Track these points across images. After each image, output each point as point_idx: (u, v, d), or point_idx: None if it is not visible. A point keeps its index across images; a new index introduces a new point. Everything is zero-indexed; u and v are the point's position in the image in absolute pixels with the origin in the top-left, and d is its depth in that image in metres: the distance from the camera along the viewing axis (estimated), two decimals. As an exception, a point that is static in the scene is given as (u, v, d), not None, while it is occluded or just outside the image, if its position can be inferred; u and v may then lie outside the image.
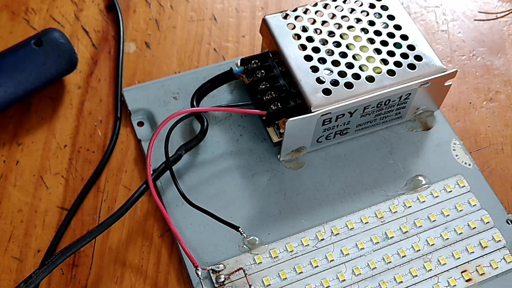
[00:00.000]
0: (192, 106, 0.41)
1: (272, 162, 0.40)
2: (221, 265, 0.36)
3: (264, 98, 0.39)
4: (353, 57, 0.39)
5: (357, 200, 0.39)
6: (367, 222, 0.38)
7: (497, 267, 0.37)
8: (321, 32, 0.40)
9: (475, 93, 0.46)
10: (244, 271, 0.36)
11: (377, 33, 0.40)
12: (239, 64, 0.42)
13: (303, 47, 0.39)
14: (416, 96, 0.40)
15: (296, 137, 0.39)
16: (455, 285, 0.36)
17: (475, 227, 0.39)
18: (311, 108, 0.37)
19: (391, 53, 0.39)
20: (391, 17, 0.41)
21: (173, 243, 0.38)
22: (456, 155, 0.42)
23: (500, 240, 0.38)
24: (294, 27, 0.40)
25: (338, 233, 0.38)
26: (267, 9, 0.49)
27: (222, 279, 0.35)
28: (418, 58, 0.39)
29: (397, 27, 0.41)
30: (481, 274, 0.37)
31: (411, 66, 0.39)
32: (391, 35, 0.40)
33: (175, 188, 0.37)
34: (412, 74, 0.39)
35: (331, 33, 0.40)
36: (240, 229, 0.36)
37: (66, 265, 0.37)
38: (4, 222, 0.38)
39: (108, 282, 0.36)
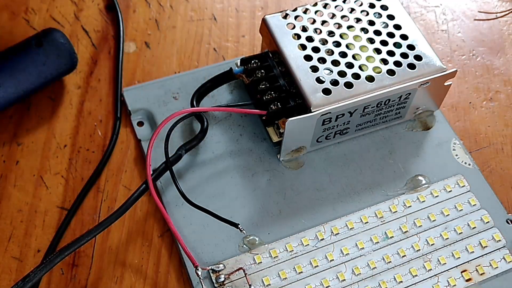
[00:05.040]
0: (192, 106, 0.41)
1: (272, 162, 0.40)
2: (221, 265, 0.36)
3: (264, 98, 0.39)
4: (353, 57, 0.39)
5: (357, 200, 0.39)
6: (367, 222, 0.38)
7: (497, 267, 0.37)
8: (321, 32, 0.40)
9: (475, 92, 0.46)
10: (244, 271, 0.36)
11: (377, 32, 0.40)
12: (239, 64, 0.42)
13: (303, 47, 0.39)
14: (416, 96, 0.40)
15: (296, 137, 0.39)
16: (455, 285, 0.36)
17: (475, 227, 0.39)
18: (311, 108, 0.37)
19: (391, 53, 0.39)
20: (391, 17, 0.41)
21: (173, 243, 0.38)
22: (456, 155, 0.42)
23: (500, 240, 0.38)
24: (294, 27, 0.40)
25: (338, 233, 0.38)
26: (267, 9, 0.49)
27: (222, 279, 0.35)
28: (418, 58, 0.39)
29: (397, 27, 0.41)
30: (481, 274, 0.37)
31: (411, 66, 0.39)
32: (391, 35, 0.40)
33: (175, 188, 0.37)
34: (412, 74, 0.39)
35: (331, 33, 0.40)
36: (239, 225, 0.36)
37: (66, 265, 0.37)
38: (4, 222, 0.38)
39: (108, 282, 0.36)
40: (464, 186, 0.40)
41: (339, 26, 0.40)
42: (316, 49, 0.39)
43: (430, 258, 0.37)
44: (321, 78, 0.38)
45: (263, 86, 0.40)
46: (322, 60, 0.39)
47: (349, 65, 0.39)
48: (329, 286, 0.36)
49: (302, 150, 0.40)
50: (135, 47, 0.46)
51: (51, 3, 0.48)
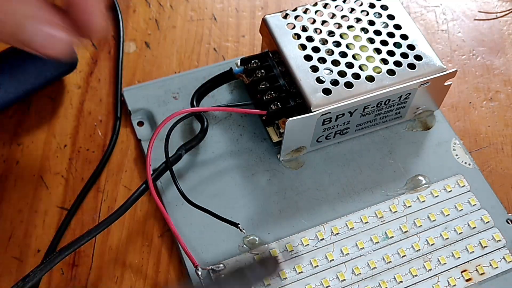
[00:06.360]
0: (192, 106, 0.41)
1: (272, 162, 0.40)
2: (221, 265, 0.36)
3: (264, 98, 0.39)
4: (353, 56, 0.39)
5: (357, 200, 0.39)
6: (367, 222, 0.38)
7: (497, 267, 0.37)
8: (321, 31, 0.40)
9: (475, 92, 0.46)
10: (244, 271, 0.36)
11: (377, 32, 0.40)
12: (239, 64, 0.42)
13: (303, 47, 0.39)
14: (416, 95, 0.40)
15: (296, 137, 0.39)
16: (455, 285, 0.36)
17: (475, 227, 0.39)
18: (311, 108, 0.37)
19: (391, 53, 0.39)
20: (391, 17, 0.41)
21: (173, 243, 0.38)
22: (456, 155, 0.42)
23: (500, 240, 0.38)
24: (294, 26, 0.40)
25: (338, 233, 0.38)
26: (267, 9, 0.49)
27: (222, 279, 0.35)
28: (418, 57, 0.39)
29: (397, 27, 0.41)
30: (481, 274, 0.37)
31: (411, 66, 0.39)
32: (391, 35, 0.40)
33: (175, 188, 0.37)
34: (412, 74, 0.39)
35: (331, 33, 0.40)
36: (239, 225, 0.36)
37: (66, 265, 0.37)
38: (4, 222, 0.38)
39: (108, 282, 0.36)
40: (464, 186, 0.40)
41: (339, 26, 0.40)
42: (316, 49, 0.39)
43: (430, 258, 0.37)
44: (321, 78, 0.38)
45: (263, 86, 0.40)
46: (322, 60, 0.39)
47: (349, 65, 0.39)
48: (329, 286, 0.36)
49: (302, 150, 0.40)
50: (135, 47, 0.46)
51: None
